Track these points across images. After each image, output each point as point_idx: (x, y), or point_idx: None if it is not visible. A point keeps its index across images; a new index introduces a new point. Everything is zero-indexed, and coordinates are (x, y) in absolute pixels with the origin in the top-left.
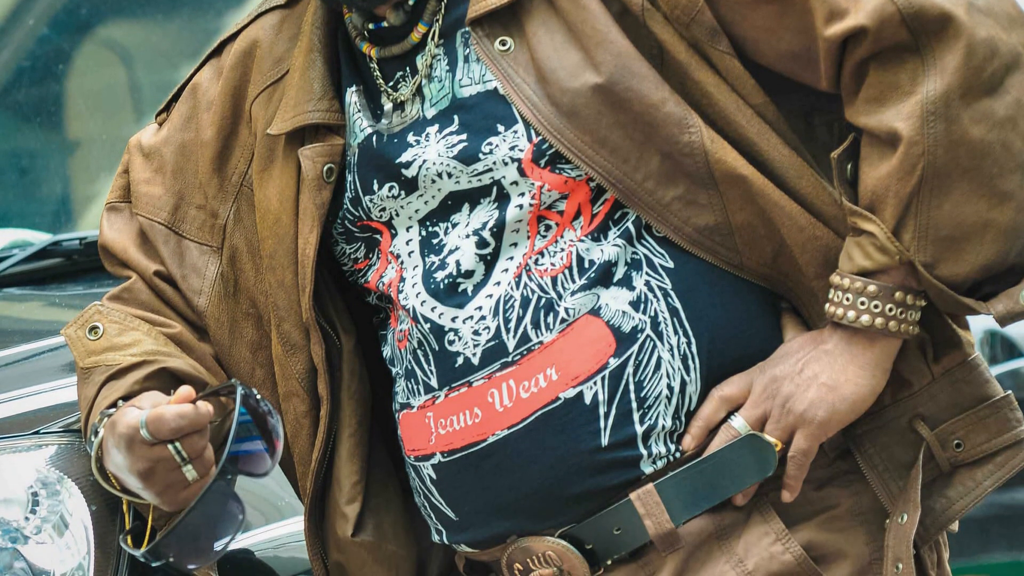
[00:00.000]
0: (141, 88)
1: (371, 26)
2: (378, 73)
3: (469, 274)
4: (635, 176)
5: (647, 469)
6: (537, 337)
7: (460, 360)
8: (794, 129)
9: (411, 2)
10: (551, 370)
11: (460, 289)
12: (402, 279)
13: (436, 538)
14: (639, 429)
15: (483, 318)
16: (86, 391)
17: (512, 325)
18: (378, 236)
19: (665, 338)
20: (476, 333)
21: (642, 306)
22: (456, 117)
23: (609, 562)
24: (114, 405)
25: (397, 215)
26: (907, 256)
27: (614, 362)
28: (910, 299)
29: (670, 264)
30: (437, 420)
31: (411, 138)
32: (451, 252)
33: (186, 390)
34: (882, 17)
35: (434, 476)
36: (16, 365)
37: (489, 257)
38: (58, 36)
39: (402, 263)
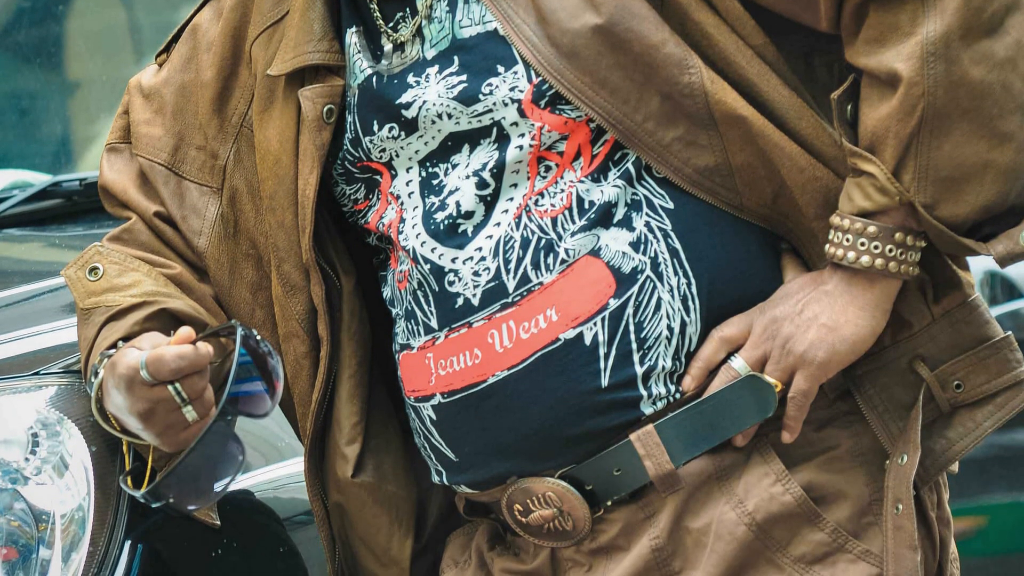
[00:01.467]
0: (141, 29)
1: None
2: (378, 14)
3: (469, 215)
4: (635, 117)
5: (647, 410)
6: (537, 278)
7: (460, 301)
8: (794, 70)
9: None
10: (551, 311)
11: (460, 230)
12: (402, 220)
13: (436, 479)
14: (639, 370)
15: (483, 259)
16: (86, 332)
17: (512, 266)
18: (378, 177)
19: (665, 279)
20: (476, 274)
21: (642, 247)
22: (456, 58)
23: (609, 503)
24: (114, 346)
25: (397, 156)
26: (907, 197)
27: (614, 303)
28: (910, 240)
29: (670, 205)
30: (437, 361)
31: (411, 79)
32: (451, 193)
33: (186, 331)
34: None
35: (434, 417)
36: (16, 306)
37: (489, 198)
38: None
39: (402, 204)
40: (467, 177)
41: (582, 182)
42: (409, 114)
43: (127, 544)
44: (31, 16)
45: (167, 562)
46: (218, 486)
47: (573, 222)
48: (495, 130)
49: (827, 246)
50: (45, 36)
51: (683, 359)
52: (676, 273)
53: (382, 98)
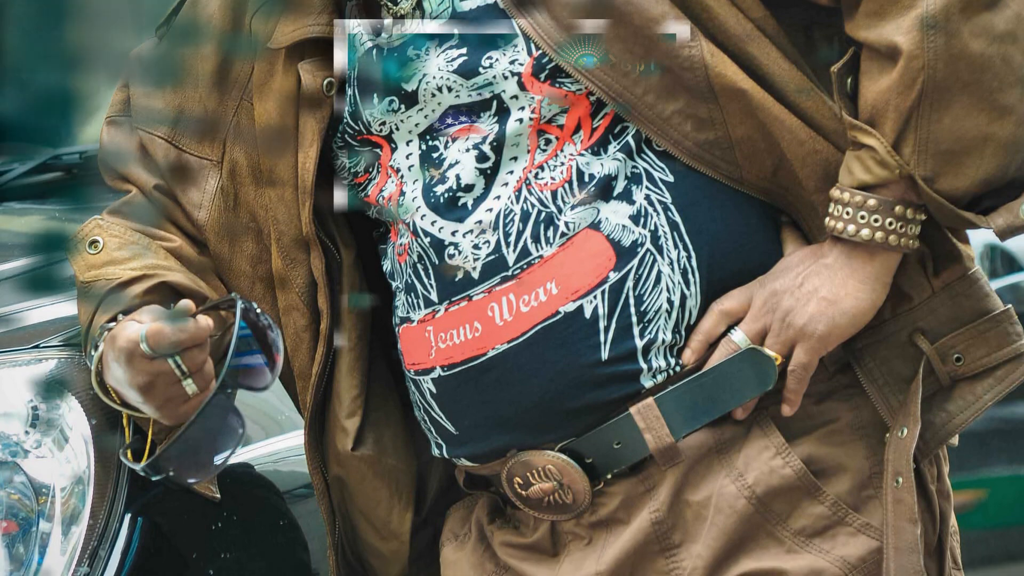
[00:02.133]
0: (141, 1)
1: None
2: None
3: (469, 188)
4: (635, 90)
5: (647, 383)
6: (537, 251)
7: (460, 274)
8: (794, 43)
9: None
10: (551, 284)
11: (460, 203)
12: (402, 193)
13: (436, 452)
14: (639, 343)
15: (483, 232)
16: (86, 305)
17: (512, 239)
18: (378, 150)
19: (665, 252)
20: (476, 247)
21: (642, 220)
22: (456, 31)
23: (609, 476)
24: (114, 319)
25: (397, 129)
26: (907, 170)
27: (614, 276)
28: (910, 213)
29: (670, 178)
30: (437, 334)
31: (411, 52)
32: (451, 166)
33: (186, 304)
34: None
35: (434, 390)
36: (16, 279)
37: (489, 171)
38: None
39: (402, 177)
40: (467, 150)
41: (582, 155)
42: (409, 87)
43: (127, 517)
44: None
45: (167, 535)
46: (218, 459)
47: (573, 195)
48: (495, 103)
49: (827, 219)
50: (45, 8)
51: (683, 332)
52: (676, 246)
53: (382, 71)
